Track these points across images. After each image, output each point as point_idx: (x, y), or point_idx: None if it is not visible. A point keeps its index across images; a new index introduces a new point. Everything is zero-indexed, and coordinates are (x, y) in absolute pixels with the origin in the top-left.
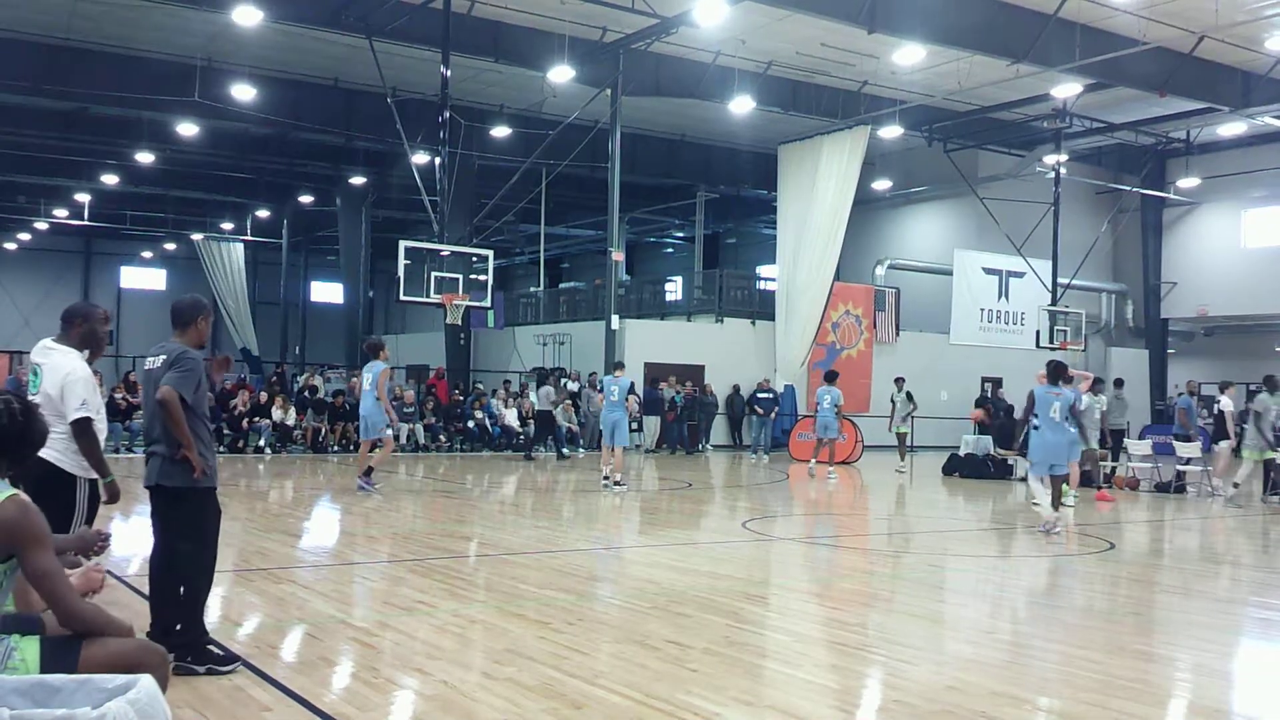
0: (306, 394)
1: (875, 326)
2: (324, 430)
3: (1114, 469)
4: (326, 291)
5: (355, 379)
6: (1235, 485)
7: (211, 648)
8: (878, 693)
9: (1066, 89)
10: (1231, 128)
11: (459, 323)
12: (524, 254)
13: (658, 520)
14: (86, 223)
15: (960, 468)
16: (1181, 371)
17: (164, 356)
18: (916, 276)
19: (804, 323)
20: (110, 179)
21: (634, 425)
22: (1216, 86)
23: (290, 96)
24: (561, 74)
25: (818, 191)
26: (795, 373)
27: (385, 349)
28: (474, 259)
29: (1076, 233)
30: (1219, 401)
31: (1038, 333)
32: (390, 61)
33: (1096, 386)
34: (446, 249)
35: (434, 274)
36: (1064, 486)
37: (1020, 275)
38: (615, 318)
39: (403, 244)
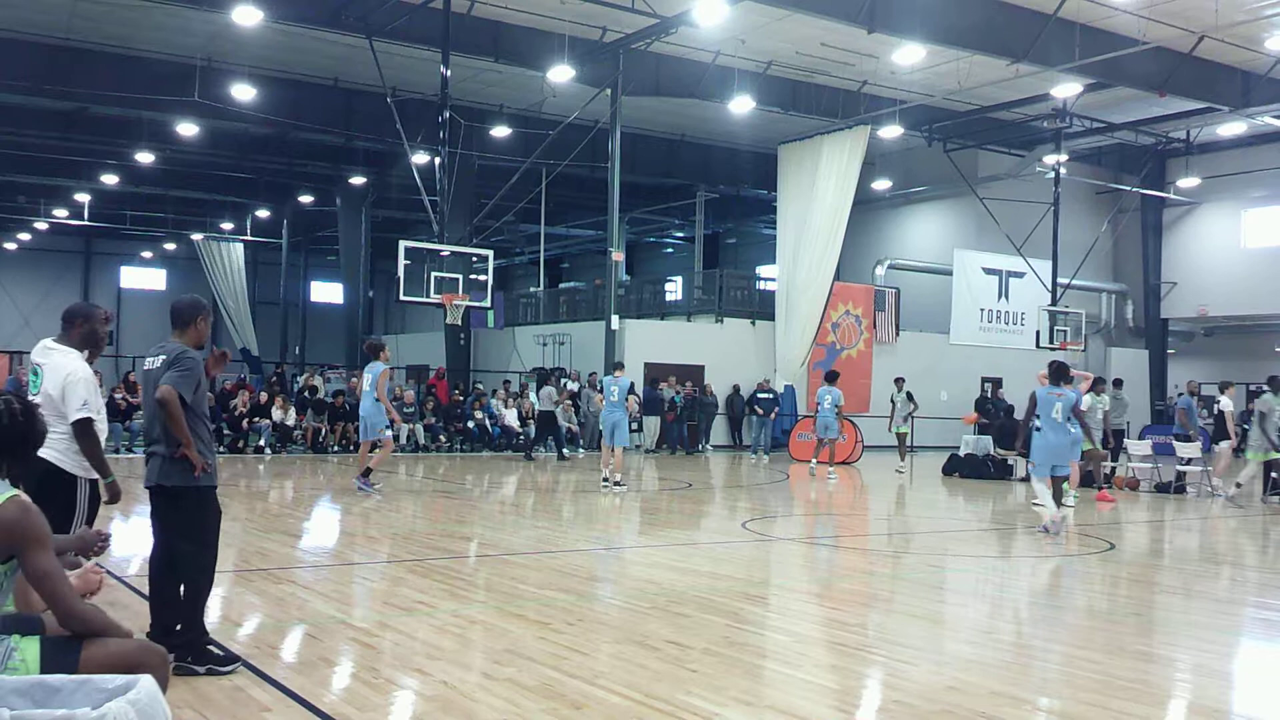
0: (306, 394)
1: (875, 326)
2: (324, 430)
3: (1114, 469)
4: (326, 291)
5: (355, 379)
6: (1238, 485)
7: (211, 648)
8: (878, 693)
9: (1066, 89)
10: (1231, 128)
11: (459, 323)
12: (524, 254)
13: (658, 520)
14: (86, 223)
15: (960, 468)
16: (1181, 371)
17: (163, 356)
18: (916, 276)
19: (804, 323)
20: (110, 179)
21: (634, 425)
22: (1216, 86)
23: (290, 96)
24: (561, 74)
25: (818, 191)
26: (795, 373)
27: (386, 350)
28: (474, 259)
29: (1076, 233)
30: (1219, 402)
31: (1038, 333)
32: (390, 61)
33: (1098, 386)
34: (446, 249)
35: (434, 274)
36: (1063, 486)
37: (1020, 275)
38: (615, 318)
39: (403, 244)
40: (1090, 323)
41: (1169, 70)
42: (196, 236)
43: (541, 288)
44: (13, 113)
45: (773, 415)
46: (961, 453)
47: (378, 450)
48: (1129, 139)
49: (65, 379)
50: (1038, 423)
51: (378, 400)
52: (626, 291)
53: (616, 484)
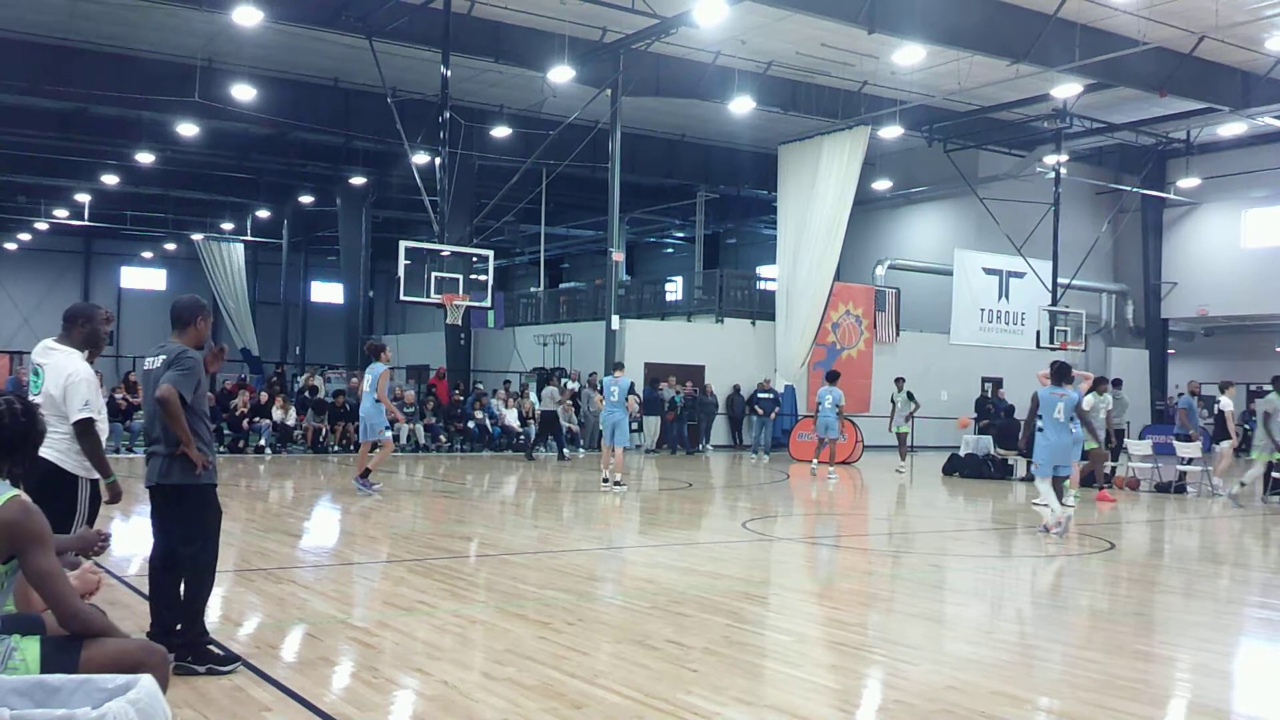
0: (307, 394)
1: (875, 326)
2: (324, 430)
3: (1113, 469)
4: (326, 291)
5: (356, 379)
6: (1242, 484)
7: (212, 648)
8: (878, 693)
9: (1066, 89)
10: (1231, 128)
11: (459, 323)
12: (524, 254)
13: (658, 520)
14: (86, 223)
15: (960, 468)
16: (1181, 371)
17: (163, 356)
18: (916, 276)
19: (804, 323)
20: (110, 179)
21: (634, 425)
22: (1216, 86)
23: (290, 96)
24: (561, 74)
25: (818, 191)
26: (795, 373)
27: (387, 351)
28: (474, 259)
29: (1076, 233)
30: (1219, 402)
31: (1038, 333)
32: (390, 61)
33: (1101, 385)
34: (446, 249)
35: (434, 274)
36: (1064, 485)
37: (1020, 275)
38: (615, 318)
39: (403, 244)
40: (1090, 323)
41: (1169, 70)
42: (196, 236)
43: (541, 288)
44: (12, 113)
45: (773, 415)
46: (961, 453)
47: (377, 451)
48: (1129, 139)
49: (67, 379)
50: (1040, 423)
51: (378, 401)
52: (627, 291)
53: (617, 484)
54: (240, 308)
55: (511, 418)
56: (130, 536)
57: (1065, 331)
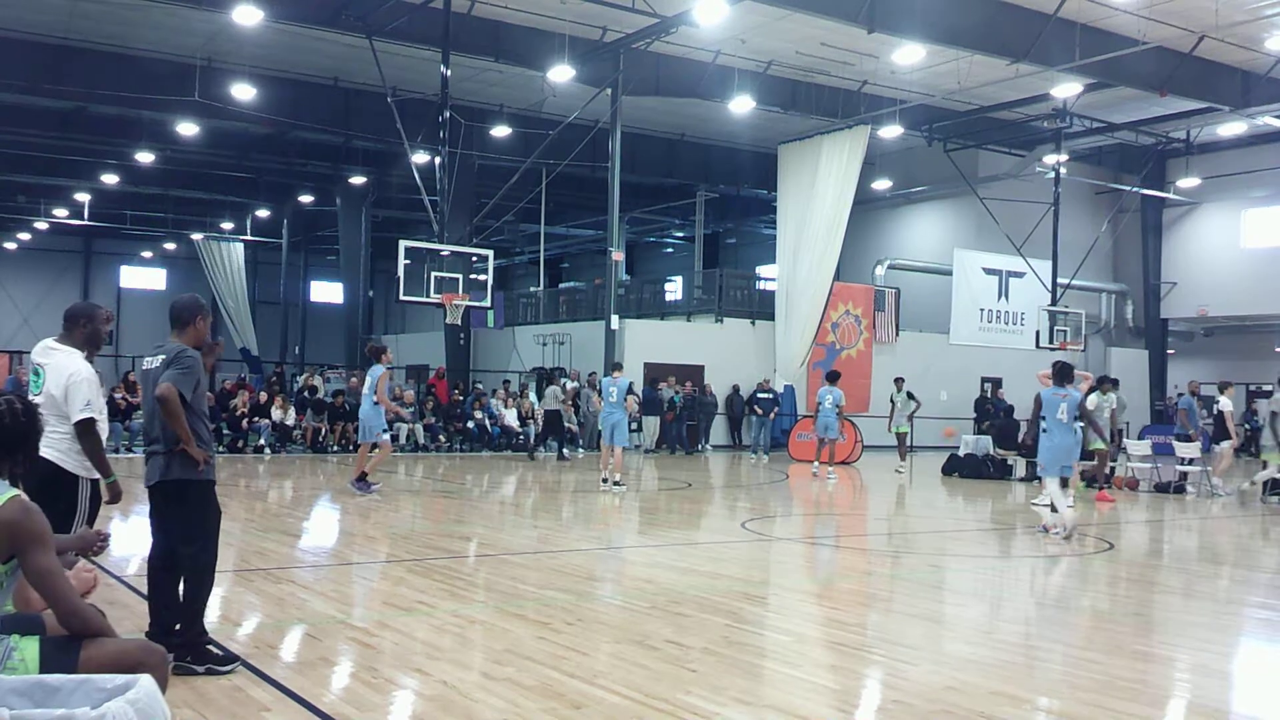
0: (306, 394)
1: (875, 326)
2: (324, 430)
3: (1113, 469)
4: (326, 291)
5: (355, 379)
6: (1252, 483)
7: (211, 647)
8: (877, 693)
9: (1066, 89)
10: (1231, 128)
11: (459, 323)
12: (524, 254)
13: (657, 520)
14: (86, 223)
15: (960, 468)
16: (1181, 371)
17: (163, 356)
18: (916, 276)
19: (804, 323)
20: (110, 179)
21: (634, 425)
22: (1216, 86)
23: (290, 96)
24: (561, 74)
25: (817, 191)
26: (795, 373)
27: (388, 353)
28: (474, 259)
29: (1076, 233)
30: (1218, 402)
31: (1038, 333)
32: (390, 61)
33: (1104, 385)
34: (446, 249)
35: (434, 274)
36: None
37: (1020, 275)
38: (615, 318)
39: (403, 244)
40: (1090, 323)
41: (1169, 70)
42: (196, 236)
43: (541, 288)
44: (12, 112)
45: (772, 415)
46: (961, 453)
47: (376, 452)
48: (1129, 139)
49: (68, 379)
50: (1044, 424)
51: (376, 403)
52: (626, 291)
53: (616, 484)
54: (240, 307)
55: (511, 418)
56: (129, 536)
57: (1065, 331)
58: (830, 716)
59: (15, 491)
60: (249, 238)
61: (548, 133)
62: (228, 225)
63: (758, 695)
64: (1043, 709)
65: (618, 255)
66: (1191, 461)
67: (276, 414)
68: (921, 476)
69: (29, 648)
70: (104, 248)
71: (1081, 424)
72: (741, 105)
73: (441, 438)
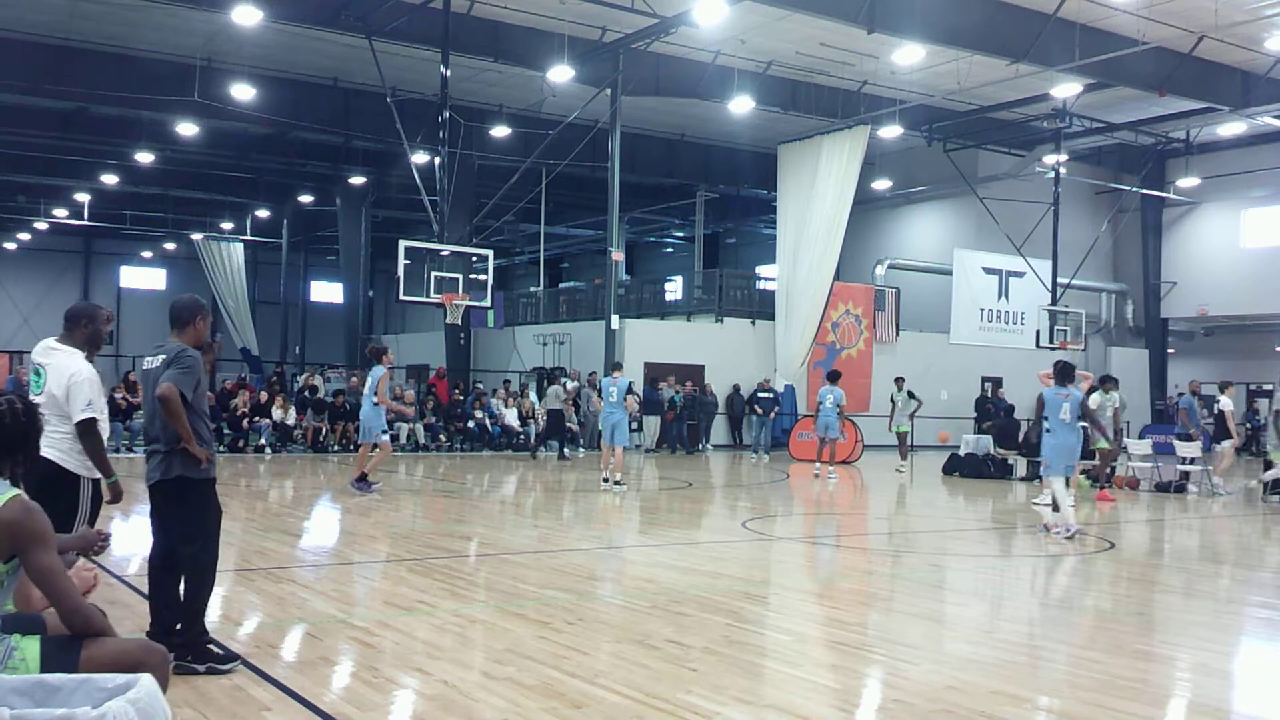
0: (306, 394)
1: (875, 326)
2: (324, 430)
3: (1113, 469)
4: (326, 291)
5: (355, 379)
6: (1260, 482)
7: (211, 647)
8: (878, 692)
9: (1066, 89)
10: (1231, 128)
11: (459, 323)
12: (524, 254)
13: (658, 520)
14: (86, 223)
15: (960, 468)
16: (1181, 371)
17: (163, 356)
18: (916, 276)
19: (804, 322)
20: (110, 179)
21: (634, 425)
22: (1216, 86)
23: (290, 96)
24: (561, 74)
25: (817, 191)
26: (795, 372)
27: (389, 353)
28: (474, 259)
29: (1076, 233)
30: (1219, 401)
31: (1038, 332)
32: (390, 61)
33: (1107, 384)
34: (446, 249)
35: (434, 274)
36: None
37: (1020, 275)
38: (615, 317)
39: (403, 244)
40: (1090, 322)
41: (1169, 70)
42: (196, 236)
43: (541, 287)
44: (12, 112)
45: (773, 415)
46: (961, 452)
47: (376, 452)
48: (1129, 139)
49: (70, 379)
50: (1047, 424)
51: (377, 404)
52: (626, 291)
53: (616, 483)
54: (240, 307)
55: (511, 417)
56: (130, 536)
57: (1065, 331)
58: (831, 716)
59: (16, 491)
60: (249, 238)
61: (547, 133)
62: (228, 225)
63: (758, 695)
64: (1044, 708)
65: (618, 255)
66: (1192, 461)
67: (277, 414)
68: (922, 476)
69: (30, 647)
70: (104, 248)
71: (1084, 424)
72: (741, 105)
73: (442, 437)
